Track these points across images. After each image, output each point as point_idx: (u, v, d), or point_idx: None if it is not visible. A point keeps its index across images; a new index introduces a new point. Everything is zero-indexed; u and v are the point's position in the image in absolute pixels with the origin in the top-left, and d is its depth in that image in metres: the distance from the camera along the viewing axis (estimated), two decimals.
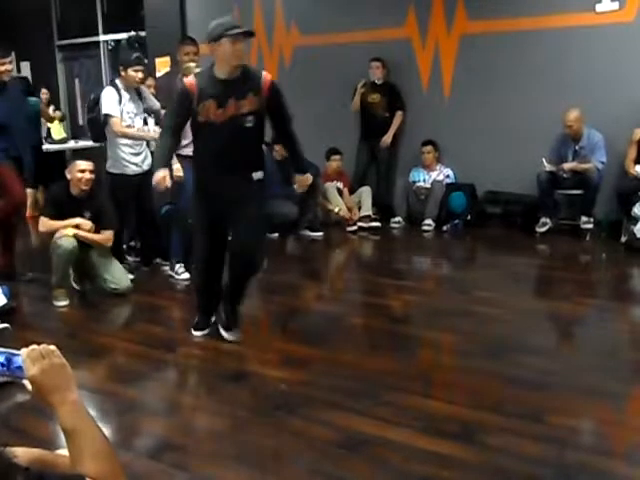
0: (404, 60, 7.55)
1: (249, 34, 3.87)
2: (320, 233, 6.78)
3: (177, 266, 5.38)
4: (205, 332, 4.04)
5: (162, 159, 3.82)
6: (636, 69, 6.37)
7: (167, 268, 5.50)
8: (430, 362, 3.72)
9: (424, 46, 7.52)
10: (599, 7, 6.52)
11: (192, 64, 5.47)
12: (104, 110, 5.17)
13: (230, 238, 3.92)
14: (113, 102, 5.17)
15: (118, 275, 4.94)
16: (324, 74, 8.11)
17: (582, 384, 3.28)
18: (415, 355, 3.81)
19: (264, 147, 7.47)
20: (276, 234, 6.78)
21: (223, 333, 3.95)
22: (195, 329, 4.06)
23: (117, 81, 5.34)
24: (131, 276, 5.18)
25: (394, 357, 3.66)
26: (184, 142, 5.10)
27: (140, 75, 5.32)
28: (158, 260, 5.67)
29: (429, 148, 7.29)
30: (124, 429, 3.00)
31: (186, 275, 5.33)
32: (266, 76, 3.82)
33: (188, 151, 5.12)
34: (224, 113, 3.66)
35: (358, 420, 2.93)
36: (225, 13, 8.60)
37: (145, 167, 5.34)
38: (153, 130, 5.70)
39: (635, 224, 5.89)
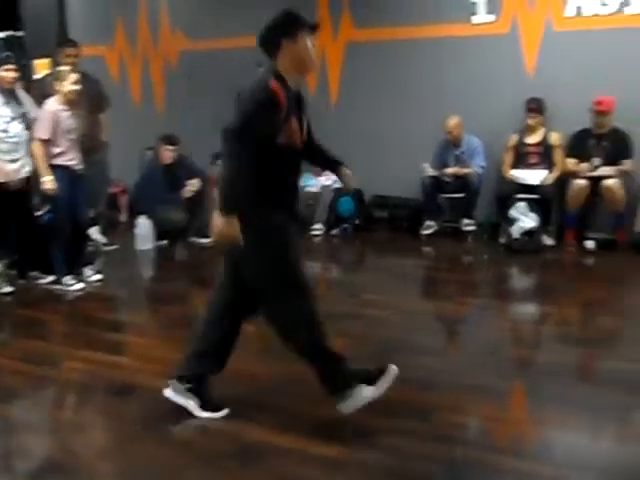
0: None
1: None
2: (210, 239, 6.70)
3: (66, 279, 5.19)
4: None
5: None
6: (511, 79, 6.68)
7: (44, 281, 5.29)
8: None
9: None
10: (475, 19, 6.79)
11: (66, 68, 5.29)
12: None
13: None
14: None
15: None
16: (211, 79, 8.03)
17: (468, 382, 3.39)
18: (301, 361, 3.82)
19: (148, 152, 7.40)
20: (164, 241, 6.65)
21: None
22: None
23: None
24: (9, 288, 4.96)
25: (285, 363, 3.64)
26: (56, 150, 4.98)
27: (12, 75, 5.08)
28: (35, 273, 5.42)
29: None
30: (3, 450, 2.86)
31: (80, 285, 5.17)
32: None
33: (61, 160, 4.99)
34: (302, 136, 2.89)
35: (251, 429, 2.91)
36: (107, 15, 8.48)
37: (23, 175, 5.10)
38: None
39: (513, 226, 6.17)
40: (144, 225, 6.53)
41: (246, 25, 7.70)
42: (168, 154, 6.63)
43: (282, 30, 2.84)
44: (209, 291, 5.38)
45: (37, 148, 5.02)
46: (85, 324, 4.42)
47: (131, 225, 6.86)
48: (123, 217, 7.91)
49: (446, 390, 3.31)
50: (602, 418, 3.00)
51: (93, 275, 5.45)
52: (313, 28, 2.87)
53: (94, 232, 6.48)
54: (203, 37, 8.09)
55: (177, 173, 6.69)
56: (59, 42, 6.42)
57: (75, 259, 5.36)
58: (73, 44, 6.24)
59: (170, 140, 6.66)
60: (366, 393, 2.90)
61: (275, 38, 2.84)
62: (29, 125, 5.16)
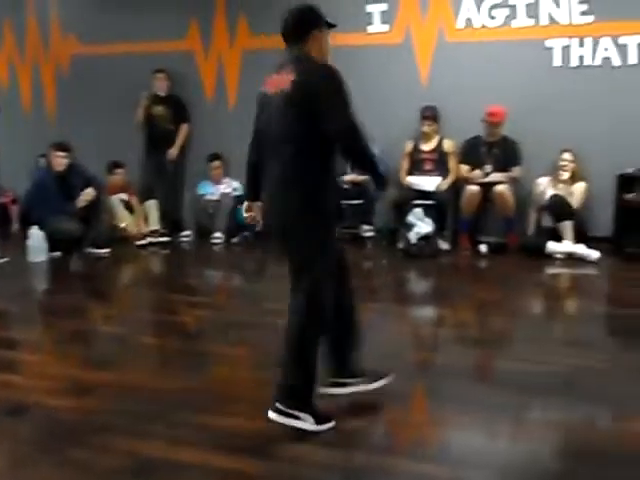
0: (188, 72, 7.53)
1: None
2: (106, 250, 6.53)
3: None
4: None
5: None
6: (406, 87, 6.85)
7: None
8: (223, 378, 3.70)
9: (207, 59, 7.53)
10: (370, 28, 6.92)
11: None
12: None
13: None
14: None
15: None
16: (106, 85, 7.85)
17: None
18: (208, 372, 3.78)
19: (41, 159, 7.14)
20: (58, 252, 6.43)
21: None
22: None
23: None
24: None
25: (186, 375, 3.60)
26: None
27: None
28: None
29: (217, 164, 7.31)
30: None
31: None
32: None
33: None
34: None
35: (150, 444, 2.84)
36: None
37: None
38: None
39: (410, 231, 6.31)
40: (36, 236, 6.29)
41: (140, 30, 7.63)
42: (59, 161, 6.42)
43: (313, 21, 3.10)
44: (106, 303, 5.31)
45: None
46: None
47: (23, 236, 6.60)
48: (14, 228, 7.60)
49: (348, 396, 3.34)
50: (497, 417, 3.10)
51: None
52: (331, 25, 3.23)
53: None
54: (96, 41, 7.90)
55: (70, 181, 6.49)
56: None
57: None
58: None
59: (61, 146, 6.45)
60: (309, 426, 2.89)
61: (306, 27, 3.06)
62: None
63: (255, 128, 3.13)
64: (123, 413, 3.10)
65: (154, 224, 7.03)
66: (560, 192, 6.20)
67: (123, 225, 6.94)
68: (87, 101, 7.95)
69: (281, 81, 2.93)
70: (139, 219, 7.12)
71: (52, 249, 6.39)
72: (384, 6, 6.88)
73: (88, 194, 6.46)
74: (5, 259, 6.26)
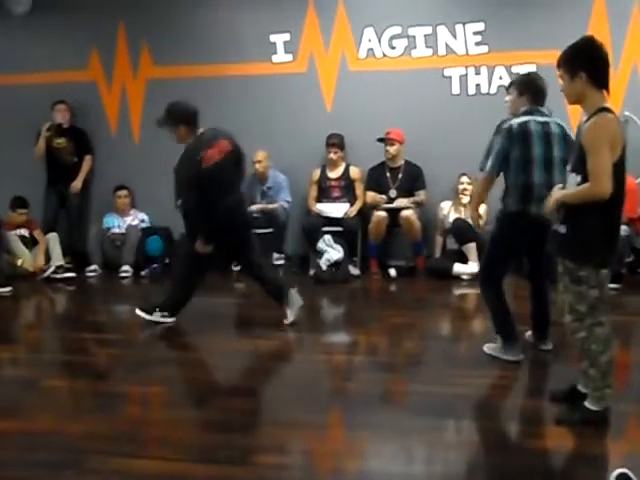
0: (90, 103, 7.39)
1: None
2: (8, 288, 6.27)
3: None
4: None
5: None
6: (310, 116, 6.96)
7: None
8: (137, 419, 3.61)
9: (110, 89, 7.41)
10: (275, 58, 7.00)
11: None
12: None
13: None
14: None
15: None
16: (5, 116, 7.59)
17: (285, 419, 3.41)
18: (121, 413, 3.67)
19: None
20: None
21: None
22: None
23: None
24: None
25: (98, 418, 3.49)
26: None
27: None
28: None
29: (124, 192, 7.18)
30: None
31: None
32: None
33: None
34: None
35: None
36: None
37: None
38: None
39: (320, 258, 6.37)
40: None
41: (38, 61, 7.44)
42: None
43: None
44: (9, 345, 5.06)
45: None
46: None
47: None
48: None
49: (264, 430, 3.33)
50: (413, 442, 3.15)
51: None
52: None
53: None
54: None
55: None
56: None
57: None
58: None
59: None
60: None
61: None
62: None
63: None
64: (33, 464, 2.97)
65: (57, 259, 6.80)
66: (462, 215, 6.40)
67: (19, 262, 6.70)
68: None
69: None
70: (39, 254, 6.88)
71: None
72: (287, 36, 6.97)
73: None
74: None
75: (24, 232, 6.93)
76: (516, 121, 3.87)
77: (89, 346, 4.80)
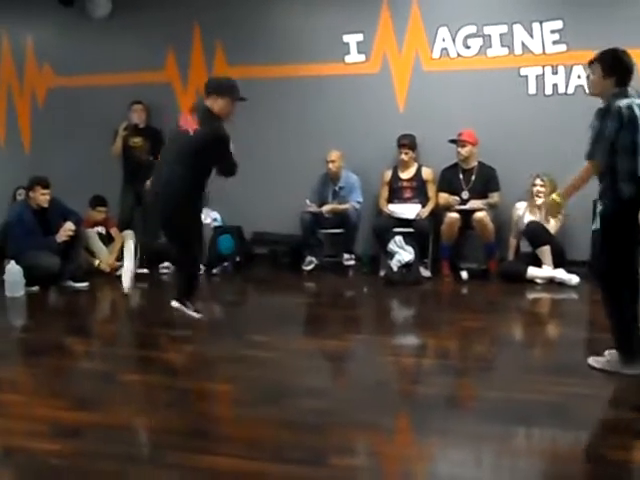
0: (166, 103, 7.52)
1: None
2: (85, 283, 6.45)
3: None
4: None
5: None
6: (382, 116, 6.92)
7: None
8: (209, 415, 3.65)
9: (185, 90, 7.54)
10: (348, 58, 6.99)
11: None
12: None
13: None
14: None
15: None
16: (83, 116, 7.83)
17: (357, 420, 3.40)
18: (194, 409, 3.72)
19: (21, 192, 7.06)
20: (36, 287, 6.34)
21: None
22: None
23: None
24: None
25: (172, 413, 3.55)
26: None
27: None
28: None
29: None
30: None
31: None
32: None
33: None
34: None
35: None
36: None
37: None
38: None
39: (391, 259, 6.33)
40: (14, 271, 6.20)
41: (117, 62, 7.63)
42: (43, 198, 6.35)
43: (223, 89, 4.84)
44: (87, 339, 5.23)
45: None
46: None
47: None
48: None
49: (337, 431, 3.32)
50: (483, 448, 3.09)
51: None
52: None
53: None
54: (72, 73, 7.87)
55: (49, 216, 6.42)
56: None
57: None
58: None
59: (45, 183, 6.37)
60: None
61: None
62: None
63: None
64: (110, 456, 3.04)
65: (131, 256, 6.93)
66: (536, 218, 6.26)
67: (96, 263, 6.89)
68: (64, 133, 7.91)
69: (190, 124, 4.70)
70: (115, 251, 7.05)
71: (29, 283, 6.30)
72: (360, 36, 6.95)
73: (69, 229, 6.39)
74: None
75: (102, 230, 7.12)
76: (622, 103, 3.68)
77: (162, 342, 4.88)
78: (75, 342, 5.15)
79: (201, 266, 5.71)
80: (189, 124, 4.70)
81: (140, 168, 7.34)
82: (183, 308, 5.03)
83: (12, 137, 8.26)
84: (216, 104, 4.73)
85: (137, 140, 7.38)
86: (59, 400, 3.78)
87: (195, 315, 5.06)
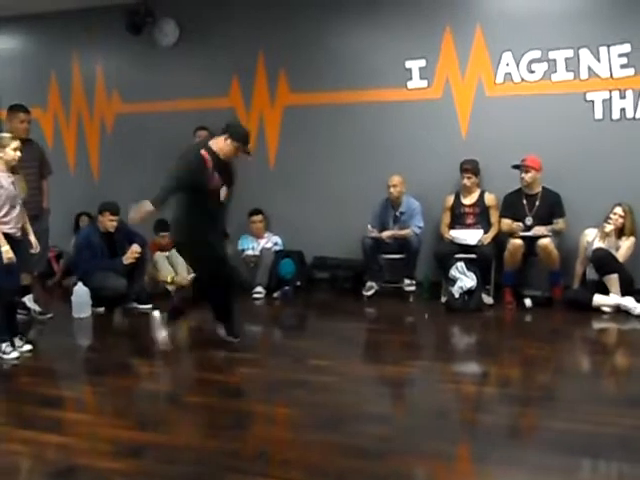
0: None
1: None
2: (149, 305, 6.56)
3: (3, 346, 5.02)
4: None
5: None
6: (444, 141, 6.90)
7: None
8: (270, 438, 3.66)
9: (249, 115, 7.66)
10: (410, 84, 7.00)
11: (7, 135, 5.28)
12: None
13: None
14: None
15: None
16: (149, 142, 8.02)
17: (418, 448, 3.36)
18: (257, 433, 3.74)
19: (84, 218, 7.25)
20: (102, 308, 6.49)
21: None
22: None
23: None
24: None
25: (232, 436, 3.56)
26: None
27: None
28: None
29: (259, 217, 7.36)
30: None
31: (15, 354, 5.03)
32: None
33: (4, 228, 4.95)
34: None
35: None
36: (40, 77, 8.39)
37: None
38: None
39: (453, 285, 6.25)
40: (81, 292, 6.36)
41: (182, 89, 7.82)
42: (111, 224, 6.51)
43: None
44: (150, 360, 5.31)
45: None
46: (22, 401, 4.22)
47: (66, 292, 6.70)
48: (57, 282, 7.71)
49: (398, 458, 3.28)
50: None
51: (24, 345, 5.26)
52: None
53: (28, 300, 6.27)
54: (139, 100, 8.09)
55: (116, 238, 6.58)
56: (11, 107, 6.31)
57: (10, 327, 5.20)
58: (25, 109, 6.18)
59: (113, 210, 6.53)
60: None
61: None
62: None
63: None
64: (171, 477, 3.07)
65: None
66: (605, 245, 6.11)
67: (169, 279, 7.02)
68: (130, 159, 8.12)
69: None
70: (183, 273, 7.15)
71: (96, 304, 6.45)
72: (422, 62, 6.96)
73: (135, 251, 6.53)
74: (49, 315, 6.32)
75: (167, 254, 7.24)
76: None
77: (223, 364, 4.92)
78: (138, 363, 5.24)
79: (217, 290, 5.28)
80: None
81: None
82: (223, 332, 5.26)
83: (81, 163, 8.52)
84: (222, 143, 4.95)
85: None
86: (122, 420, 3.85)
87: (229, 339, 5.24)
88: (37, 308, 6.31)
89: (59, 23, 8.34)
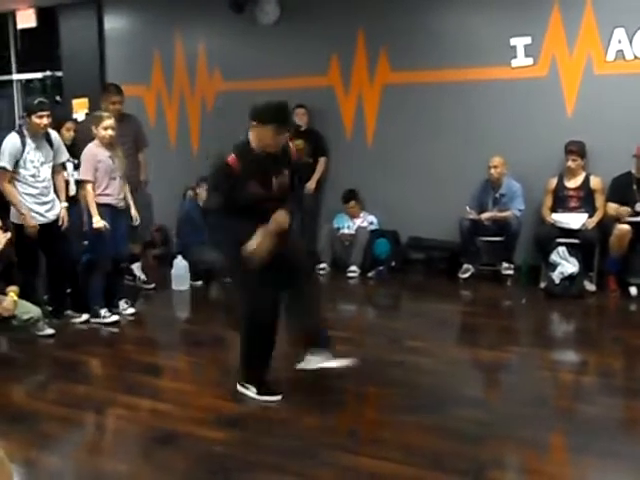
0: (328, 108, 7.64)
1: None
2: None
3: (102, 311, 5.33)
4: None
5: None
6: (549, 122, 6.65)
7: (78, 320, 5.35)
8: (368, 418, 3.68)
9: (347, 94, 7.62)
10: (514, 62, 6.79)
11: (104, 113, 5.53)
12: None
13: None
14: (6, 152, 5.04)
15: (26, 307, 4.74)
16: (247, 120, 8.08)
17: (516, 435, 3.30)
18: (353, 411, 3.75)
19: (190, 192, 7.43)
20: (200, 282, 6.65)
21: None
22: None
23: (24, 127, 5.21)
24: (51, 331, 4.97)
25: (331, 413, 3.59)
26: (98, 190, 5.27)
27: (45, 121, 5.15)
28: (69, 312, 5.45)
29: (352, 204, 7.29)
30: None
31: (115, 317, 5.35)
32: None
33: (103, 199, 5.28)
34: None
35: None
36: (145, 55, 8.61)
37: (51, 217, 5.18)
38: (71, 175, 5.61)
39: (553, 270, 6.06)
40: (181, 265, 6.54)
41: (282, 67, 7.85)
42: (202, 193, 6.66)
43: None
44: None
45: (84, 189, 5.33)
46: (124, 368, 4.40)
47: (165, 264, 6.92)
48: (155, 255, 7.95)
49: (496, 444, 3.22)
50: None
51: (128, 308, 5.58)
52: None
53: (136, 269, 6.55)
54: (240, 78, 8.17)
55: None
56: (104, 87, 6.53)
57: (111, 293, 5.51)
58: (118, 90, 6.36)
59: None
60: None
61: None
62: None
63: None
64: (271, 449, 3.12)
65: None
66: None
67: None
68: (230, 136, 8.22)
69: None
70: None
71: (194, 278, 6.61)
72: (528, 39, 6.72)
73: None
74: (152, 285, 6.54)
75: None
76: None
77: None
78: (234, 335, 5.31)
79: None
80: (235, 163, 3.81)
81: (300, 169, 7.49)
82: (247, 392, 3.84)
83: (183, 139, 8.70)
84: (255, 134, 3.82)
85: (299, 142, 7.53)
86: (221, 390, 3.93)
87: (268, 399, 3.78)
88: (143, 277, 6.58)
89: (163, 2, 8.51)
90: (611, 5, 6.42)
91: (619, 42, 6.39)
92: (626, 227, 5.99)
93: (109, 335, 5.16)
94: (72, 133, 5.96)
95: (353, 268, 7.02)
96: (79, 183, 5.52)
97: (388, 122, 7.40)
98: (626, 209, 6.07)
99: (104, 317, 5.31)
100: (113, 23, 8.94)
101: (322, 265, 7.21)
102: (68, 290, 5.56)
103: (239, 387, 3.82)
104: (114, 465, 3.13)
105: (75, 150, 5.68)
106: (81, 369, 4.48)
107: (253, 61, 8.07)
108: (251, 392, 3.76)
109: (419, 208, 7.19)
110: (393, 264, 7.06)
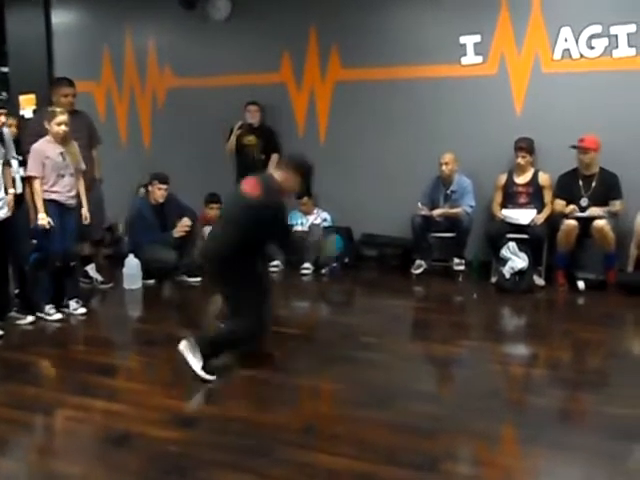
0: (280, 104, 7.64)
1: None
2: (198, 278, 6.62)
3: (46, 308, 5.30)
4: None
5: None
6: (499, 119, 6.76)
7: (24, 322, 5.22)
8: (322, 414, 3.68)
9: (299, 91, 7.63)
10: (464, 60, 6.88)
11: (56, 108, 5.40)
12: None
13: None
14: None
15: None
16: (199, 116, 8.05)
17: (469, 428, 3.34)
18: (308, 407, 3.76)
19: (142, 190, 7.34)
20: (152, 280, 6.58)
21: None
22: None
23: None
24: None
25: (283, 410, 3.59)
26: (45, 187, 5.21)
27: (2, 119, 5.07)
28: (13, 313, 5.30)
29: (305, 200, 7.27)
30: None
31: (58, 316, 5.30)
32: None
33: (51, 195, 5.23)
34: None
35: None
36: (94, 51, 8.48)
37: (1, 215, 5.03)
38: (16, 172, 5.46)
39: (504, 266, 6.17)
40: (133, 264, 6.45)
41: (234, 64, 7.81)
42: (160, 193, 6.59)
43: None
44: (199, 332, 5.34)
45: (30, 186, 5.23)
46: (76, 368, 4.32)
47: (116, 263, 6.82)
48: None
49: (448, 437, 3.26)
50: (594, 465, 2.97)
51: (79, 308, 5.48)
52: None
53: (91, 270, 6.44)
54: (191, 74, 8.11)
55: (167, 211, 6.65)
56: (54, 80, 6.40)
57: (61, 292, 5.45)
58: (69, 83, 6.24)
59: (162, 179, 6.62)
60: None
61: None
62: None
63: None
64: (226, 447, 3.11)
65: None
66: None
67: None
68: (181, 132, 8.17)
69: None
70: None
71: (146, 277, 6.53)
72: (478, 38, 6.82)
73: (186, 224, 6.60)
74: (110, 285, 6.45)
75: None
76: None
77: (275, 339, 4.93)
78: (187, 335, 5.27)
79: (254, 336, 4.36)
80: (253, 189, 4.30)
81: (253, 165, 7.44)
82: (190, 356, 4.06)
83: (134, 136, 8.59)
84: (287, 179, 4.38)
85: (251, 139, 7.52)
86: (174, 390, 3.90)
87: (204, 376, 4.00)
88: (99, 277, 6.47)
89: None
90: (558, 4, 6.55)
91: (565, 41, 6.52)
92: (573, 223, 6.13)
93: (59, 335, 5.07)
94: (13, 129, 5.82)
95: (306, 265, 7.02)
96: (25, 180, 5.40)
97: (340, 119, 7.44)
98: (572, 207, 6.20)
99: (47, 314, 5.27)
100: (61, 17, 8.78)
101: (275, 262, 7.19)
102: (16, 291, 5.46)
103: (187, 349, 4.04)
104: (67, 467, 3.07)
105: (19, 147, 5.56)
106: (31, 370, 4.38)
107: (205, 57, 8.02)
108: (196, 363, 3.97)
109: (372, 205, 7.24)
110: (346, 261, 7.09)
